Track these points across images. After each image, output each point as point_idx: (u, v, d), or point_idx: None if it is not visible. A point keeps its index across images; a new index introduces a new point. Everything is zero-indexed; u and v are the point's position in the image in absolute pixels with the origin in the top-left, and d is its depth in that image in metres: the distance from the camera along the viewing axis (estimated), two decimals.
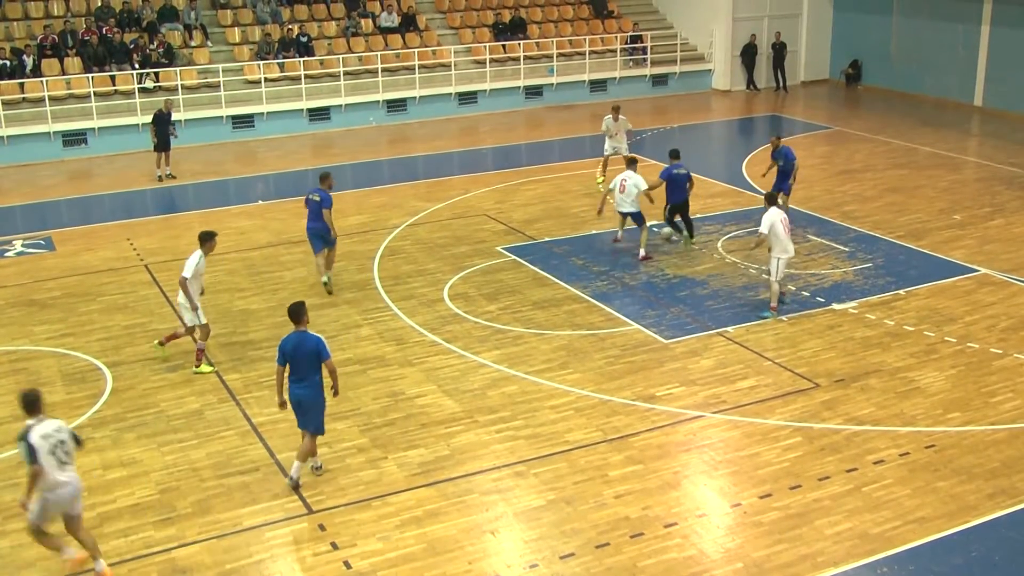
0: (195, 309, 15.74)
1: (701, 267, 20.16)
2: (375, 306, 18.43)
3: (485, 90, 35.52)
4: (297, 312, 12.57)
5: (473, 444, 13.87)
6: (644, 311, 18.18)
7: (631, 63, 38.38)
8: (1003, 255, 20.75)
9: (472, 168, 27.60)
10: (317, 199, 18.49)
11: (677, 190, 20.72)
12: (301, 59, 32.96)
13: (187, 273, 15.51)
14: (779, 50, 39.00)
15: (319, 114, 32.98)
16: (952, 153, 29.00)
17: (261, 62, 32.74)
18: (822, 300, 18.47)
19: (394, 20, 35.83)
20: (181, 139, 28.41)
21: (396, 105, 34.16)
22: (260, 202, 24.81)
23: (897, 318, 17.78)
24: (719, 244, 21.30)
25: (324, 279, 19.03)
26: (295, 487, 12.80)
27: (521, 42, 36.47)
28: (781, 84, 39.45)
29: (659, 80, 38.66)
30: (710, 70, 39.67)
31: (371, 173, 28.11)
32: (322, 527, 12.08)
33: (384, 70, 34.02)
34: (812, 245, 21.29)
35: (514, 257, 20.90)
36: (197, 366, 16.07)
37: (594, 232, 22.32)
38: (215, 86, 31.79)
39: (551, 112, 35.60)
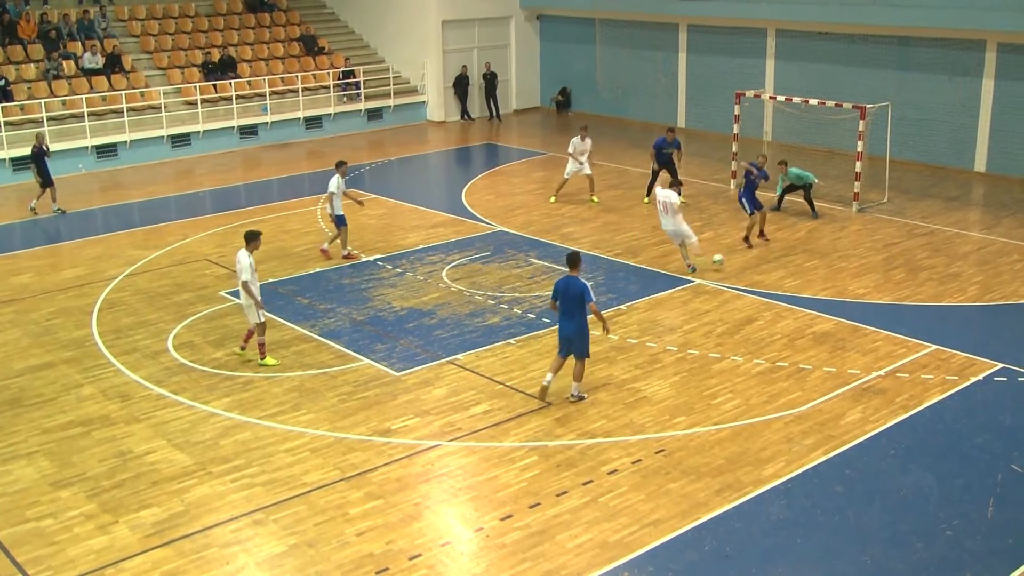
0: (260, 307, 16.98)
1: (427, 297, 20.29)
2: (95, 363, 17.59)
3: (198, 131, 34.64)
4: (571, 260, 15.72)
5: (208, 497, 13.42)
6: (373, 345, 18.13)
7: (345, 99, 38.35)
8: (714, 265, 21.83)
9: (190, 212, 26.86)
10: None
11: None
12: None
13: (246, 275, 16.76)
14: (490, 80, 39.89)
15: (23, 163, 31.29)
16: None
17: None
18: (548, 321, 18.90)
19: (98, 61, 34.48)
20: None
21: (106, 150, 32.85)
22: None
23: (620, 332, 18.41)
24: (443, 273, 21.50)
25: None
26: (579, 399, 15.73)
27: (232, 81, 35.81)
28: (494, 113, 40.35)
29: (374, 114, 38.79)
30: (424, 102, 40.14)
31: (83, 223, 26.87)
32: None
33: (91, 114, 32.67)
34: (535, 268, 21.80)
35: (238, 301, 20.35)
36: (262, 358, 17.35)
37: (318, 270, 22.12)
38: None
39: (267, 151, 35.08)
